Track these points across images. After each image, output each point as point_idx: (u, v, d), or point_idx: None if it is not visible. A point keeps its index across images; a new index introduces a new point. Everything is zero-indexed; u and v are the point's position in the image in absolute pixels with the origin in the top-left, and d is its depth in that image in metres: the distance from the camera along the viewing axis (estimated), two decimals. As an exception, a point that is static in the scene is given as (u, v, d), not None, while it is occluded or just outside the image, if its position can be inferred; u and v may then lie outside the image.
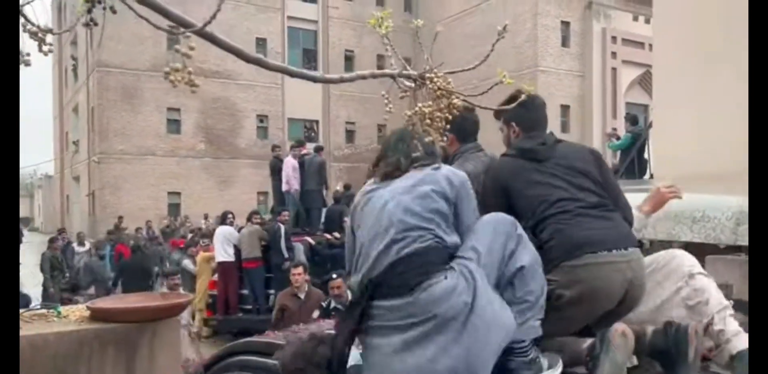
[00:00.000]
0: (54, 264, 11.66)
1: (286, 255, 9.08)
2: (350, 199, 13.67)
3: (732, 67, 6.60)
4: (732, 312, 2.17)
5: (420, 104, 1.79)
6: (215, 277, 9.67)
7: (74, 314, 2.04)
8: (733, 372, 2.01)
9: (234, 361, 2.66)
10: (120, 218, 19.28)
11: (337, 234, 9.86)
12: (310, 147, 12.19)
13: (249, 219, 9.92)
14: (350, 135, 28.93)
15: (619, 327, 1.97)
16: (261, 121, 26.44)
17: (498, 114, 2.54)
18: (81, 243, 14.66)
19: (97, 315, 1.97)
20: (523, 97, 2.16)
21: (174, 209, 23.87)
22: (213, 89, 24.51)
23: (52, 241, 12.64)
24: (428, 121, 1.79)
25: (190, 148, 24.63)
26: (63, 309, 2.04)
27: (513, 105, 2.17)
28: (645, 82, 23.99)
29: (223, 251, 9.40)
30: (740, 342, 2.09)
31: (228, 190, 24.98)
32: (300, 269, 6.72)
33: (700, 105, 7.26)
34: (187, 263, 11.02)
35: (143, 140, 23.76)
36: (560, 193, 2.19)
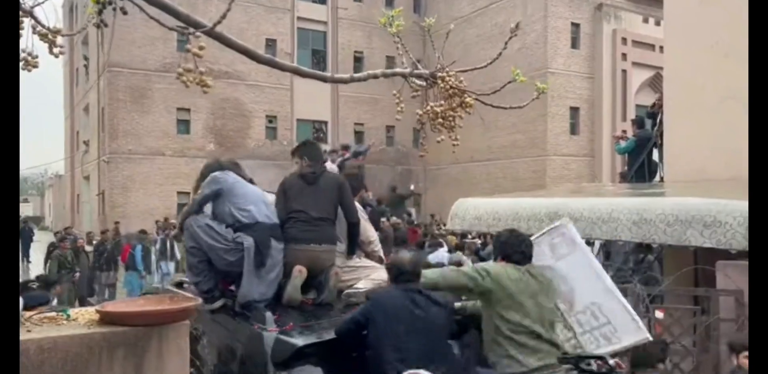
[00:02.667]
0: (63, 264, 11.52)
1: None
2: (399, 199, 14.09)
3: (746, 70, 6.55)
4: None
5: (432, 104, 1.78)
6: None
7: (83, 317, 2.04)
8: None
9: None
10: (116, 223, 19.50)
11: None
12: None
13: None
14: (359, 136, 28.92)
15: (299, 267, 3.78)
16: (270, 121, 26.50)
17: (293, 152, 4.36)
18: (90, 243, 14.71)
19: (105, 318, 1.96)
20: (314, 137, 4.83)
21: (183, 209, 23.98)
22: (222, 90, 24.60)
23: (61, 240, 12.58)
24: (440, 120, 1.78)
25: (199, 148, 24.71)
26: (72, 312, 2.04)
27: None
28: (655, 84, 23.86)
29: None
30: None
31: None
32: None
33: (712, 108, 7.23)
34: None
35: (153, 140, 23.85)
36: (301, 207, 3.98)
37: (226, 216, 3.87)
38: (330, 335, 3.32)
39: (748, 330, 2.44)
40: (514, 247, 3.33)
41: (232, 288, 3.94)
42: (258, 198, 4.04)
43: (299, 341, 3.25)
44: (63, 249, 11.90)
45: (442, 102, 1.80)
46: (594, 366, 3.10)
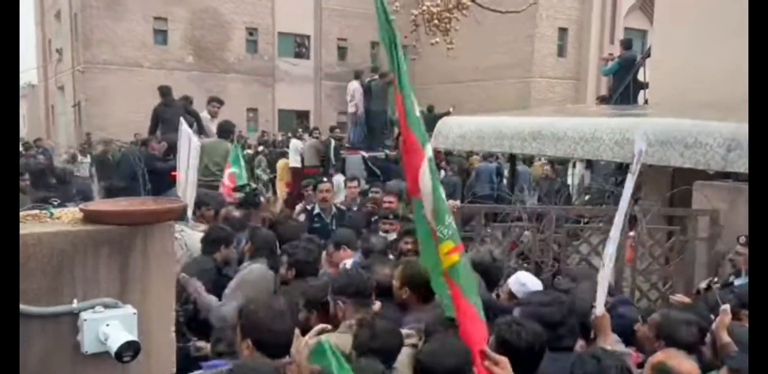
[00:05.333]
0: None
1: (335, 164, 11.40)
2: (434, 119, 14.33)
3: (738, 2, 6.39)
4: None
5: (428, 3, 1.70)
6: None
7: (67, 216, 2.03)
8: None
9: None
10: (88, 134, 19.92)
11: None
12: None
13: (311, 134, 12.84)
14: (342, 52, 28.19)
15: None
16: (250, 34, 25.61)
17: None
18: (84, 154, 14.87)
19: (90, 217, 1.96)
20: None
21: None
22: (200, -1, 23.62)
23: (26, 149, 12.60)
24: (435, 21, 1.70)
25: (178, 60, 23.97)
26: (56, 211, 2.03)
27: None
28: (646, 7, 23.27)
29: (293, 159, 11.87)
30: None
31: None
32: (355, 183, 7.36)
33: (701, 32, 7.12)
34: (259, 172, 13.62)
35: (129, 50, 23.02)
36: (170, 112, 9.00)
37: None
38: None
39: (749, 327, 2.55)
40: None
41: None
42: None
43: None
44: (28, 158, 11.93)
45: (439, 2, 1.71)
46: None
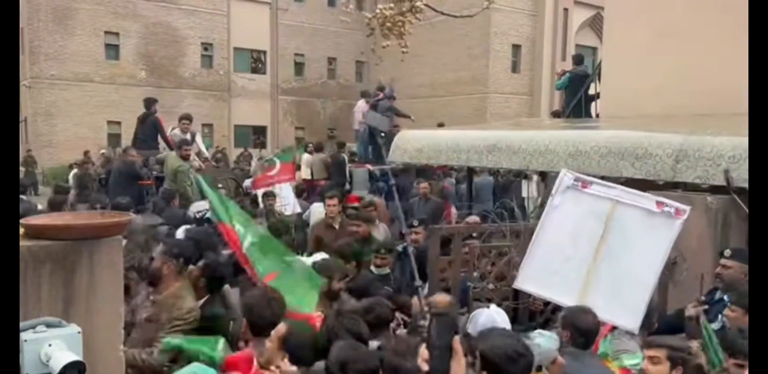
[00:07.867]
0: None
1: (347, 178, 11.85)
2: None
3: (684, 15, 6.62)
4: None
5: (381, 6, 1.69)
6: None
7: (6, 231, 1.93)
8: None
9: None
10: (29, 151, 20.01)
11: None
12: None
13: (320, 150, 13.50)
14: (299, 68, 28.18)
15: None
16: (205, 49, 25.39)
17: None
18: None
19: (31, 232, 1.88)
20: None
21: (114, 139, 22.99)
22: (154, 13, 23.29)
23: None
24: (389, 25, 1.70)
25: (130, 75, 23.55)
26: (-6, 227, 1.93)
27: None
28: (596, 24, 24.00)
29: (304, 172, 12.72)
30: None
31: (172, 122, 24.08)
32: (335, 201, 6.26)
33: (649, 46, 7.35)
34: None
35: (79, 65, 22.52)
36: (138, 138, 10.51)
37: None
38: None
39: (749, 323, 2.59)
40: None
41: None
42: None
43: None
44: None
45: (392, 5, 1.70)
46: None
